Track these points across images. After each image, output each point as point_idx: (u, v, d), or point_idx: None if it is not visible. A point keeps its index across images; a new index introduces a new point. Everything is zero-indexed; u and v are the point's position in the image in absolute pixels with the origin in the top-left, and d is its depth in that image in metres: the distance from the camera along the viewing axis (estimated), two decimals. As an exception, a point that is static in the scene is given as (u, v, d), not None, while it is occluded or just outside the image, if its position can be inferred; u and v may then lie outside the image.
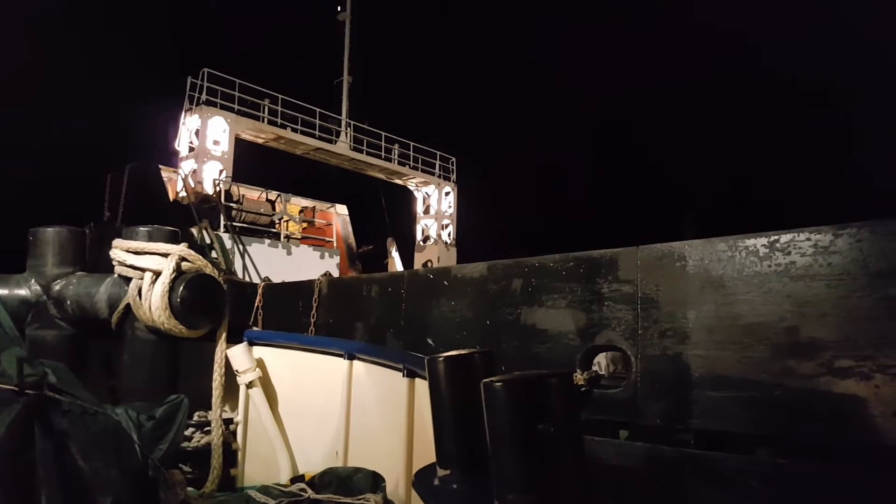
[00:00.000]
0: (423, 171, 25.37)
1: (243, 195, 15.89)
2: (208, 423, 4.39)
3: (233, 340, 4.63)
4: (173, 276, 4.10)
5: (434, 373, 2.63)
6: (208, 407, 4.41)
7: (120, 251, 4.31)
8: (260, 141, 20.29)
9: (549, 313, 3.89)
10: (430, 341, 4.43)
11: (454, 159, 26.51)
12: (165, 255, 4.18)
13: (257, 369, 4.55)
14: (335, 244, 18.25)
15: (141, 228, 4.42)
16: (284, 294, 5.99)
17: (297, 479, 4.08)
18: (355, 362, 4.18)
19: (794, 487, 2.76)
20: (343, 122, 22.97)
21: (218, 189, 15.65)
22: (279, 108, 20.07)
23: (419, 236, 26.16)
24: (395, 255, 23.96)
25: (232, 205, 15.13)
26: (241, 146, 19.37)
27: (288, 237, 16.85)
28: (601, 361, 3.98)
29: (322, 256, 17.08)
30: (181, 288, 4.11)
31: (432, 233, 25.93)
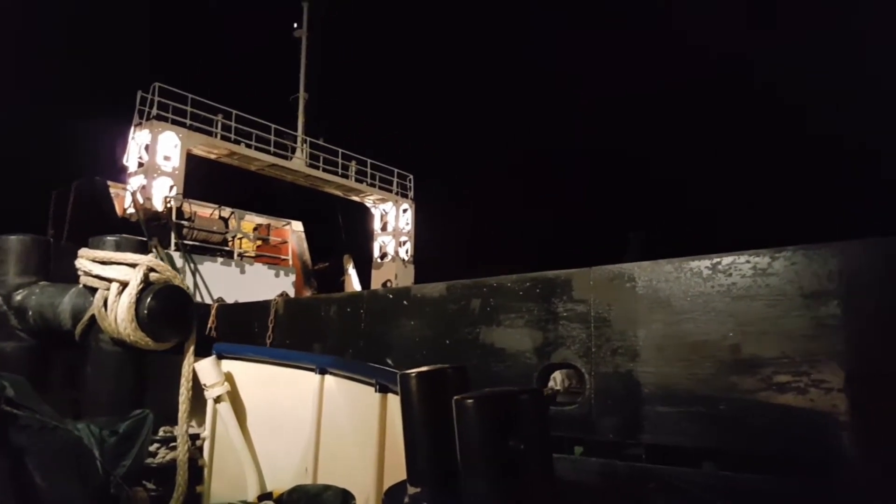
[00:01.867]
0: (380, 188, 25.39)
1: (195, 212, 15.58)
2: (174, 439, 4.26)
3: (201, 354, 4.54)
4: (141, 286, 4.02)
5: (406, 388, 2.62)
6: (174, 422, 4.28)
7: (85, 261, 4.18)
8: (213, 157, 19.97)
9: (507, 332, 3.99)
10: (389, 361, 4.47)
11: (411, 176, 26.64)
12: (133, 266, 4.10)
13: (226, 383, 4.49)
14: (290, 262, 18.04)
15: (108, 238, 4.31)
16: (239, 315, 5.93)
17: (264, 496, 4.04)
18: (327, 377, 4.14)
19: (737, 498, 2.90)
20: (299, 139, 22.84)
21: (169, 206, 15.31)
22: (233, 124, 19.83)
23: (376, 253, 26.10)
24: (351, 272, 23.82)
25: (183, 222, 14.82)
26: (193, 162, 19.03)
27: (241, 255, 16.59)
28: (556, 377, 4.09)
29: (277, 275, 16.87)
30: (149, 299, 4.01)
31: (390, 250, 25.91)
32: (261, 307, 5.46)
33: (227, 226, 16.21)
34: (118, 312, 3.98)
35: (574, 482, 3.37)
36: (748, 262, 3.06)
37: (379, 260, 25.73)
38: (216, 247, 15.91)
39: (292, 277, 16.46)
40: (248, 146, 20.48)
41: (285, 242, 18.75)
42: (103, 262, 4.14)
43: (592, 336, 3.54)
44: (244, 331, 5.43)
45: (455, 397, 2.20)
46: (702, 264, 3.20)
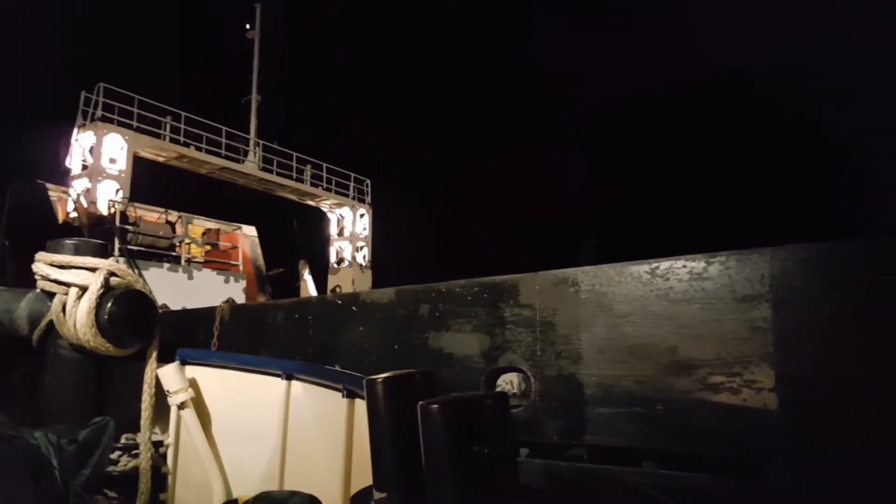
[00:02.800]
0: (336, 192, 25.20)
1: (140, 216, 15.14)
2: (136, 446, 4.20)
3: (164, 359, 4.39)
4: (101, 291, 3.92)
5: (372, 394, 2.62)
6: (137, 429, 4.21)
7: (43, 265, 4.05)
8: (161, 159, 19.48)
9: (455, 337, 4.01)
10: (338, 368, 4.44)
11: (369, 181, 26.52)
12: (93, 270, 3.99)
13: (190, 389, 4.39)
14: (241, 268, 17.70)
15: (67, 241, 4.19)
16: (183, 322, 5.79)
17: (230, 503, 4.00)
18: (293, 382, 4.10)
19: (676, 497, 2.99)
20: (251, 141, 22.48)
21: (113, 210, 14.84)
22: (182, 126, 19.38)
23: (333, 259, 25.87)
24: (307, 278, 23.55)
25: (128, 227, 14.38)
26: (141, 165, 18.53)
27: (189, 261, 16.19)
28: (513, 381, 4.11)
29: (227, 281, 16.53)
30: (109, 304, 3.93)
31: (347, 255, 25.72)
32: (205, 314, 5.34)
33: (174, 230, 15.81)
34: (77, 318, 3.88)
35: (520, 485, 3.41)
36: (684, 266, 3.16)
37: (336, 265, 25.52)
38: (163, 252, 15.50)
39: (243, 283, 16.15)
40: (199, 149, 20.06)
41: (236, 248, 18.38)
42: (62, 267, 4.01)
43: (538, 340, 3.59)
44: (188, 338, 5.30)
45: (420, 403, 2.22)
46: (641, 269, 3.29)
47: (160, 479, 4.37)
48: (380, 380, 2.65)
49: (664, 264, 3.24)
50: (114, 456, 4.04)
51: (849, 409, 2.62)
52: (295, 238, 24.41)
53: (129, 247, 14.09)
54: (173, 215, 16.33)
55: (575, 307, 3.48)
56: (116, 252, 13.68)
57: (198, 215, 18.26)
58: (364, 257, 25.76)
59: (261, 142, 22.68)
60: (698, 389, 3.01)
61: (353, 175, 25.70)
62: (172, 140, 19.18)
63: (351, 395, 3.74)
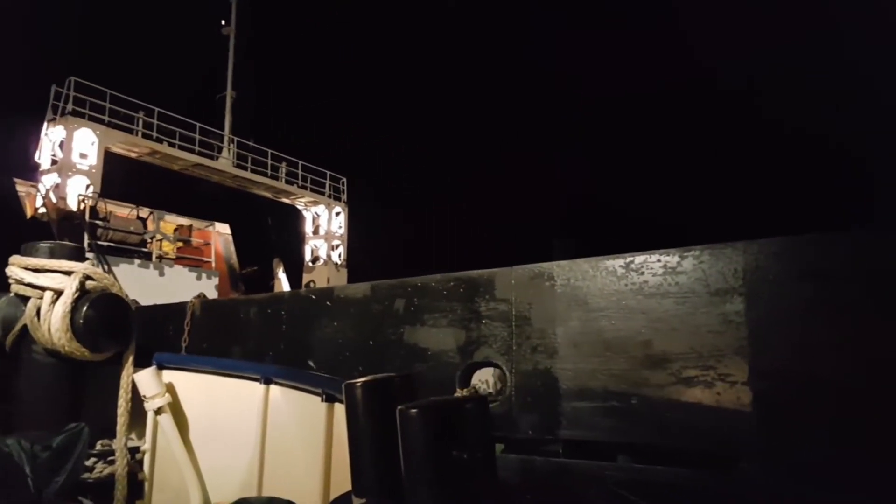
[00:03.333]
0: (312, 190, 25.00)
1: (111, 212, 14.83)
2: (112, 453, 4.13)
3: (141, 364, 4.31)
4: (76, 295, 3.87)
5: (351, 398, 2.57)
6: (113, 435, 4.14)
7: (17, 268, 3.97)
8: (133, 155, 19.13)
9: (430, 332, 3.98)
10: (311, 363, 4.38)
11: (345, 179, 26.37)
12: (68, 273, 3.93)
13: (167, 395, 4.32)
14: (214, 265, 17.43)
15: (42, 244, 4.11)
16: (153, 317, 5.66)
17: None
18: (272, 386, 4.05)
19: (650, 491, 2.99)
20: (226, 138, 22.19)
21: (83, 205, 14.52)
22: (155, 122, 19.05)
23: (308, 257, 25.66)
24: (281, 276, 23.31)
25: (98, 222, 14.07)
26: (112, 160, 18.18)
27: (161, 257, 15.91)
28: (489, 380, 4.08)
29: (199, 277, 16.27)
30: (84, 308, 3.87)
31: (322, 253, 25.54)
32: (176, 309, 5.23)
33: (145, 226, 15.51)
34: (52, 322, 3.82)
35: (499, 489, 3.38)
36: (659, 260, 3.17)
37: (311, 264, 25.32)
38: (134, 248, 15.20)
39: (215, 280, 15.91)
40: (172, 145, 19.73)
41: (208, 244, 18.11)
42: (36, 270, 3.94)
43: (513, 334, 3.58)
44: (158, 334, 5.19)
45: (399, 407, 2.20)
46: (616, 263, 3.29)
47: (136, 485, 4.29)
48: (359, 384, 2.61)
49: (639, 258, 3.24)
50: (89, 462, 3.98)
51: (821, 403, 2.64)
52: (269, 236, 24.18)
53: (99, 242, 13.76)
54: (145, 211, 16.01)
55: (550, 301, 3.47)
56: (86, 247, 13.38)
57: (170, 212, 17.97)
58: (339, 256, 25.59)
59: (235, 138, 22.39)
60: (673, 383, 3.02)
61: (328, 173, 25.52)
62: (145, 135, 18.84)
63: (330, 400, 3.70)
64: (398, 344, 4.07)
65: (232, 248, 21.00)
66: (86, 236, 13.65)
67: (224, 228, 20.62)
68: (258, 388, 4.04)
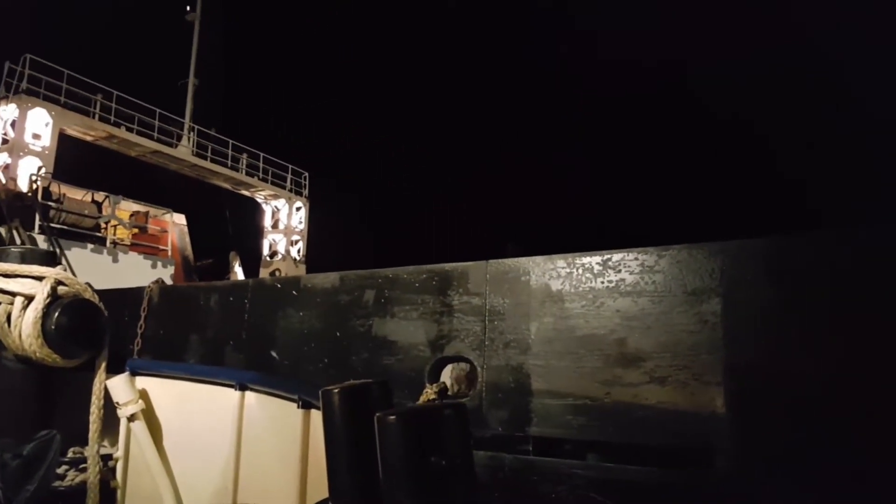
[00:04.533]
0: (273, 183, 24.54)
1: (64, 194, 14.23)
2: (84, 460, 4.05)
3: (114, 370, 4.21)
4: (48, 300, 3.80)
5: (328, 405, 2.53)
6: (85, 442, 4.07)
7: None
8: (89, 138, 18.46)
9: (400, 325, 3.89)
10: (274, 354, 4.23)
11: (307, 174, 25.97)
12: (39, 279, 3.86)
13: (140, 401, 4.23)
14: (170, 253, 16.90)
15: (13, 249, 4.07)
16: (107, 303, 5.39)
17: None
18: (247, 393, 3.96)
19: (620, 490, 2.97)
20: (186, 126, 21.59)
21: (35, 186, 13.91)
22: (113, 105, 18.41)
23: (266, 251, 25.17)
24: (238, 269, 22.82)
25: (50, 203, 13.49)
26: (66, 143, 17.51)
27: (115, 243, 15.35)
28: (460, 377, 4.00)
29: (154, 265, 15.73)
30: (56, 314, 3.82)
31: (280, 248, 25.09)
32: (132, 294, 4.99)
33: (100, 210, 14.94)
34: (23, 328, 3.76)
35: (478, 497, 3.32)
36: (636, 259, 3.16)
37: (268, 258, 24.84)
38: (87, 232, 14.61)
39: (171, 269, 15.40)
40: (130, 130, 19.09)
41: (165, 232, 17.56)
42: (6, 275, 3.88)
43: (486, 329, 3.52)
44: (113, 320, 4.94)
45: (377, 414, 2.16)
46: (593, 260, 3.26)
47: (109, 493, 4.21)
48: (336, 390, 2.56)
49: (616, 256, 3.22)
50: (60, 470, 3.91)
51: (794, 401, 2.66)
52: (227, 228, 23.61)
53: (51, 224, 13.16)
54: (100, 195, 15.41)
55: (525, 297, 3.43)
56: (37, 230, 12.78)
57: (125, 197, 17.37)
58: (298, 251, 25.17)
59: (196, 127, 21.80)
60: (646, 382, 3.00)
61: (290, 167, 25.10)
62: (102, 119, 18.19)
63: (306, 406, 3.64)
64: (366, 336, 3.96)
65: (187, 239, 20.42)
66: (37, 218, 13.05)
67: (180, 219, 20.02)
68: (233, 394, 3.96)
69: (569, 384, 3.20)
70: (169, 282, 15.28)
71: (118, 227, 15.31)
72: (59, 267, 4.03)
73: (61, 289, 3.91)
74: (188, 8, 24.07)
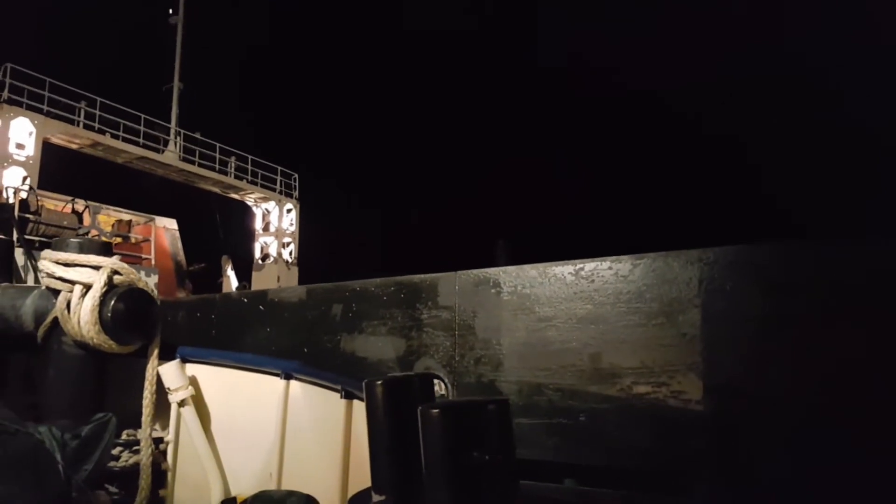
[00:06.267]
0: (262, 186, 24.29)
1: (41, 205, 13.97)
2: (137, 443, 4.22)
3: (165, 357, 4.33)
4: (104, 289, 3.95)
5: (371, 396, 2.57)
6: (138, 426, 4.20)
7: (48, 262, 4.11)
8: (74, 147, 18.20)
9: (368, 340, 3.73)
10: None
11: (296, 175, 25.71)
12: (97, 268, 4.01)
13: (190, 387, 4.34)
14: (153, 261, 16.65)
15: (72, 240, 4.28)
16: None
17: (228, 501, 4.02)
18: (292, 382, 4.01)
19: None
20: (172, 131, 21.32)
21: (15, 198, 13.68)
22: (97, 112, 18.15)
23: (258, 254, 24.95)
24: (230, 273, 22.62)
25: (28, 216, 13.25)
26: (51, 152, 17.27)
27: (98, 254, 15.10)
28: (435, 388, 3.92)
29: (136, 275, 15.47)
30: (112, 302, 3.95)
31: (272, 251, 24.86)
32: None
33: (80, 221, 14.70)
34: (81, 315, 3.93)
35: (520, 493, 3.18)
36: (610, 268, 2.98)
37: (260, 262, 24.61)
38: (67, 244, 14.37)
39: (154, 278, 15.09)
40: (115, 137, 18.84)
41: (148, 240, 17.28)
42: (66, 264, 4.08)
43: (456, 345, 3.34)
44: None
45: (420, 407, 2.17)
46: (565, 270, 3.08)
47: (160, 475, 4.36)
48: (379, 382, 2.61)
49: (589, 265, 3.04)
50: (115, 452, 4.11)
51: (776, 419, 2.49)
52: (218, 232, 23.37)
53: (29, 237, 12.91)
54: (80, 204, 15.16)
55: (496, 310, 3.25)
56: (15, 242, 12.55)
57: (112, 206, 17.11)
58: (290, 254, 24.94)
59: (182, 131, 21.55)
60: (622, 400, 2.83)
61: (279, 168, 24.83)
62: (87, 126, 17.94)
63: (349, 396, 3.66)
64: (334, 353, 3.80)
65: (179, 244, 20.20)
66: (14, 231, 12.83)
67: (171, 224, 19.79)
68: (279, 382, 4.02)
69: (542, 403, 3.03)
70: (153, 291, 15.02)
71: (100, 236, 15.06)
72: (115, 257, 4.22)
73: (117, 278, 4.05)
74: (171, 11, 23.81)
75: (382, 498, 2.53)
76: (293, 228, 25.07)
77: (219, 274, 22.40)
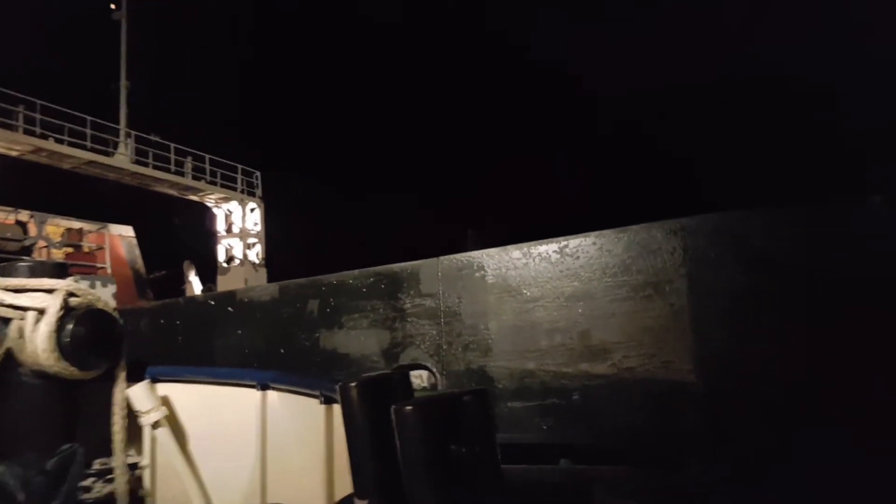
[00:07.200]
0: (222, 185, 23.68)
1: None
2: (111, 471, 4.04)
3: (133, 378, 4.17)
4: (61, 313, 3.74)
5: (347, 399, 2.52)
6: (110, 453, 4.02)
7: None
8: (14, 154, 17.38)
9: (350, 335, 3.62)
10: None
11: (258, 173, 25.13)
12: (50, 291, 3.80)
13: (162, 408, 4.24)
14: (109, 270, 16.08)
15: (21, 264, 4.05)
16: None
17: None
18: (269, 392, 3.93)
19: (595, 492, 2.76)
20: (122, 132, 20.58)
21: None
22: (38, 116, 17.38)
23: (222, 257, 24.37)
24: (193, 279, 22.08)
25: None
26: (-8, 161, 16.48)
27: (49, 265, 14.51)
28: (421, 375, 3.85)
29: (92, 286, 14.92)
30: (70, 326, 3.74)
31: (237, 253, 24.31)
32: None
33: (25, 232, 14.05)
34: (38, 343, 3.70)
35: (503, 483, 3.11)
36: (594, 243, 2.93)
37: (225, 265, 24.04)
38: (12, 256, 13.75)
39: (112, 288, 14.54)
40: (60, 141, 18.08)
41: (102, 249, 16.66)
42: (16, 290, 3.83)
43: (443, 332, 3.26)
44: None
45: (393, 406, 2.14)
46: (549, 248, 3.03)
47: (138, 502, 4.22)
48: (353, 384, 2.54)
49: (573, 242, 2.99)
50: (88, 483, 3.92)
51: (766, 393, 2.48)
52: (177, 237, 22.76)
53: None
54: (24, 214, 14.49)
55: (482, 294, 3.18)
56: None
57: (60, 214, 16.42)
58: (257, 255, 24.45)
59: (133, 132, 20.83)
60: (614, 378, 2.79)
61: (240, 167, 24.25)
62: (27, 132, 17.17)
63: (328, 401, 3.57)
64: (313, 350, 3.68)
65: (137, 251, 19.59)
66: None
67: (127, 231, 19.15)
68: (254, 394, 3.94)
69: (534, 385, 2.97)
70: (112, 302, 14.51)
71: (48, 248, 14.39)
72: (70, 279, 4.00)
73: (73, 300, 3.83)
74: (112, 6, 22.89)
75: (365, 502, 2.50)
76: (258, 228, 24.55)
77: (182, 280, 21.85)
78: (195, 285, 21.68)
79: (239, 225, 24.40)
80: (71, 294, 3.83)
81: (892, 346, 2.24)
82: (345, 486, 3.29)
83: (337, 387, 2.59)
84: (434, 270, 3.36)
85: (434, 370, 3.23)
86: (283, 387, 3.90)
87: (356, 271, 3.66)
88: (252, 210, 24.71)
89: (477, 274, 3.21)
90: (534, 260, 3.06)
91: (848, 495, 2.22)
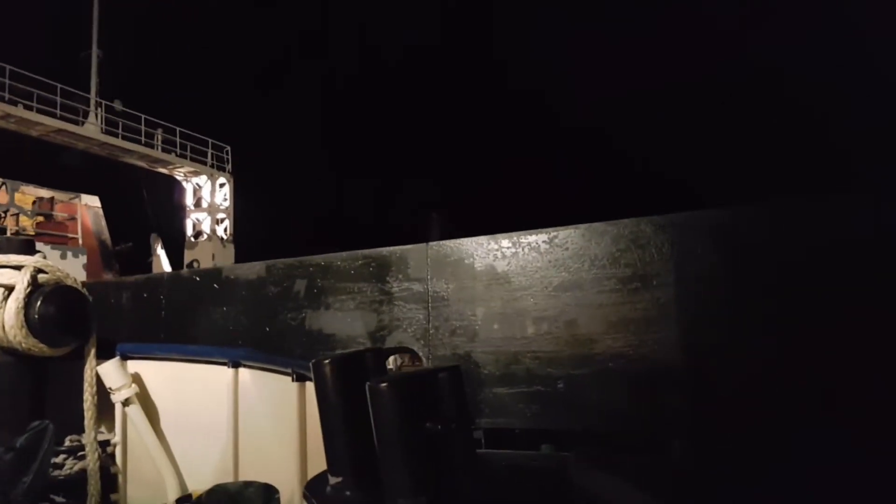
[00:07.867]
0: (192, 159, 23.23)
1: (-54, 186, 12.90)
2: (82, 448, 4.09)
3: (104, 356, 4.16)
4: (28, 289, 3.79)
5: (320, 376, 2.49)
6: (82, 430, 4.07)
7: None
8: (-20, 118, 16.81)
9: (336, 316, 3.63)
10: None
11: (229, 148, 24.72)
12: (18, 268, 3.85)
13: (133, 385, 4.22)
14: (80, 241, 15.72)
15: None
16: None
17: (183, 498, 3.87)
18: (241, 370, 3.92)
19: (575, 478, 2.84)
20: (92, 101, 20.01)
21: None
22: (6, 81, 16.80)
23: (190, 232, 23.97)
24: (160, 252, 21.72)
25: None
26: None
27: (18, 233, 14.15)
28: (405, 358, 3.88)
29: (63, 256, 14.58)
30: (38, 303, 3.81)
31: (205, 228, 23.93)
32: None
33: (-4, 198, 13.69)
34: (6, 319, 3.78)
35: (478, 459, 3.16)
36: (584, 235, 2.99)
37: (192, 239, 23.67)
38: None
39: (83, 259, 14.25)
40: (29, 108, 17.52)
41: (74, 219, 16.29)
42: None
43: (430, 317, 3.30)
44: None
45: (368, 382, 2.13)
46: (539, 238, 3.08)
47: (110, 479, 4.24)
48: (326, 361, 2.53)
49: (563, 233, 3.04)
50: (59, 459, 4.00)
51: (750, 380, 2.58)
52: (145, 209, 22.28)
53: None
54: (-5, 180, 14.09)
55: (469, 280, 3.22)
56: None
57: (28, 183, 15.96)
58: (225, 230, 24.08)
59: (103, 102, 20.25)
60: (599, 366, 2.87)
61: (210, 141, 23.77)
62: (-5, 97, 16.59)
63: (301, 379, 3.58)
64: (299, 331, 3.68)
65: (103, 222, 19.13)
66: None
67: (94, 201, 18.68)
68: (226, 371, 3.93)
69: (520, 371, 3.04)
70: (81, 273, 14.18)
71: (19, 216, 14.01)
72: (37, 255, 4.01)
73: (42, 277, 3.86)
74: (84, -28, 22.13)
75: (339, 479, 2.50)
76: (227, 203, 24.19)
77: (148, 254, 21.46)
78: (162, 258, 21.35)
79: (208, 199, 24.00)
80: (39, 271, 3.86)
81: (875, 342, 2.34)
82: (317, 463, 3.29)
83: (310, 364, 2.59)
84: (423, 255, 3.39)
85: (420, 353, 3.27)
86: (255, 364, 3.93)
87: (344, 253, 3.66)
88: (222, 185, 24.33)
89: (466, 261, 3.25)
90: (523, 249, 3.11)
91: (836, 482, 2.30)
